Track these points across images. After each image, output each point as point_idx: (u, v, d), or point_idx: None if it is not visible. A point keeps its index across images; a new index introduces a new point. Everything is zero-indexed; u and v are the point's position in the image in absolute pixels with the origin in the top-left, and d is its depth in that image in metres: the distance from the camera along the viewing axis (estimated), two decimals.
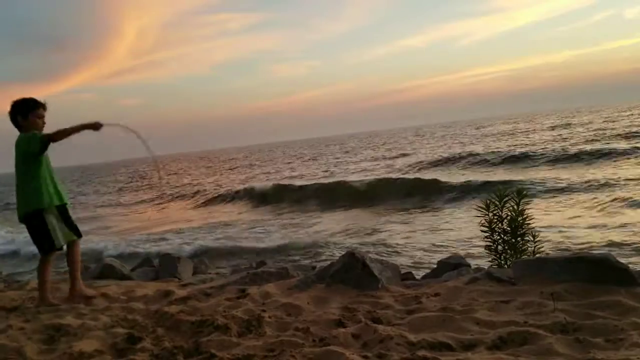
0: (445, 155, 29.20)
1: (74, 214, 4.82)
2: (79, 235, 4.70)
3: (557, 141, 29.86)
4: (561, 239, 9.07)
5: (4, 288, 5.45)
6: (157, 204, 27.37)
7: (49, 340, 3.61)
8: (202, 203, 24.81)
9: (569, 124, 45.39)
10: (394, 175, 22.33)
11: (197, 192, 28.61)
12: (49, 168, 4.57)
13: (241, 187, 26.05)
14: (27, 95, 4.51)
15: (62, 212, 4.60)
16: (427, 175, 21.15)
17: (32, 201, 4.44)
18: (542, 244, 5.26)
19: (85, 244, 7.26)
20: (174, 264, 6.26)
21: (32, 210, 4.44)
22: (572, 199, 13.31)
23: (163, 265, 6.43)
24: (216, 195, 25.92)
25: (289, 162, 48.83)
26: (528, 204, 5.24)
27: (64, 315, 4.16)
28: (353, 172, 28.71)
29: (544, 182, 15.73)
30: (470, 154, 26.95)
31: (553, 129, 41.72)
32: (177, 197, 28.28)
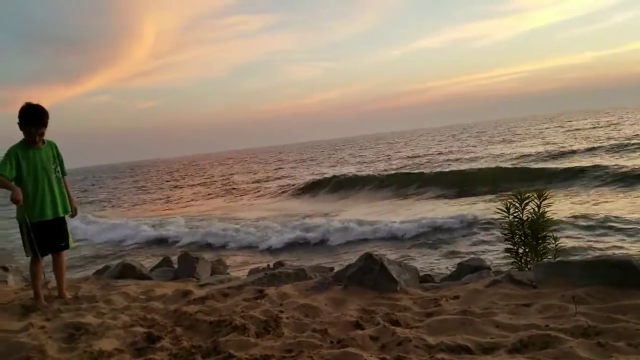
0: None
1: None
2: (36, 254, 4.57)
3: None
4: (582, 242, 8.95)
5: (25, 287, 5.53)
6: None
7: (69, 339, 3.65)
8: None
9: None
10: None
11: None
12: (34, 182, 4.49)
13: None
14: (44, 99, 4.54)
15: (46, 226, 4.57)
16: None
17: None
18: (564, 247, 5.20)
19: None
20: (192, 264, 6.29)
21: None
22: None
23: (181, 265, 6.46)
24: None
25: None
26: (549, 206, 5.18)
27: (84, 314, 4.21)
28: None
29: None
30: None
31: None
32: None
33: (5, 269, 6.84)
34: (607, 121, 50.66)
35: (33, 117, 4.43)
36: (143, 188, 42.54)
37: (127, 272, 6.21)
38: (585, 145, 27.41)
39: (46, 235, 4.58)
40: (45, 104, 4.53)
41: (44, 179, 4.54)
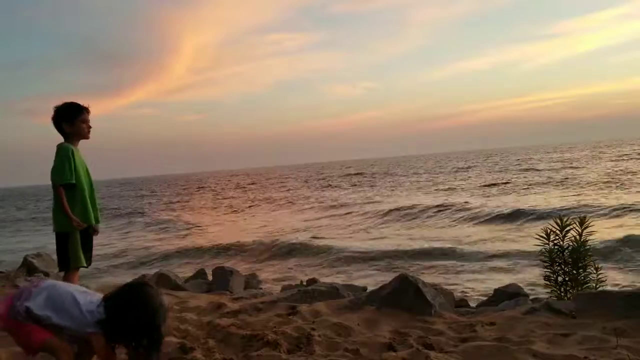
0: None
1: None
2: (63, 268, 4.09)
3: None
4: (624, 273, 8.66)
5: None
6: None
7: None
8: None
9: None
10: None
11: None
12: (84, 185, 4.10)
13: None
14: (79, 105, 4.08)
15: (88, 233, 4.17)
16: None
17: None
18: (605, 277, 5.04)
19: None
20: (226, 278, 6.35)
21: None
22: None
23: (216, 278, 6.52)
24: None
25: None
26: (591, 234, 5.03)
27: None
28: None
29: None
30: None
31: None
32: None
33: (47, 275, 7.04)
34: None
35: (79, 106, 4.13)
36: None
37: (163, 282, 6.31)
38: None
39: (88, 243, 4.22)
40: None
41: (89, 182, 4.22)
